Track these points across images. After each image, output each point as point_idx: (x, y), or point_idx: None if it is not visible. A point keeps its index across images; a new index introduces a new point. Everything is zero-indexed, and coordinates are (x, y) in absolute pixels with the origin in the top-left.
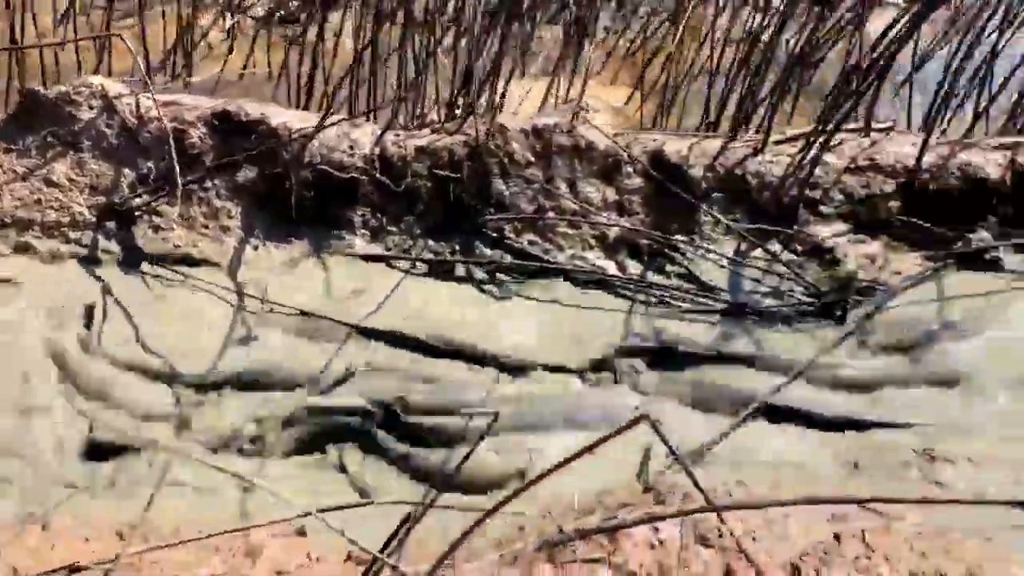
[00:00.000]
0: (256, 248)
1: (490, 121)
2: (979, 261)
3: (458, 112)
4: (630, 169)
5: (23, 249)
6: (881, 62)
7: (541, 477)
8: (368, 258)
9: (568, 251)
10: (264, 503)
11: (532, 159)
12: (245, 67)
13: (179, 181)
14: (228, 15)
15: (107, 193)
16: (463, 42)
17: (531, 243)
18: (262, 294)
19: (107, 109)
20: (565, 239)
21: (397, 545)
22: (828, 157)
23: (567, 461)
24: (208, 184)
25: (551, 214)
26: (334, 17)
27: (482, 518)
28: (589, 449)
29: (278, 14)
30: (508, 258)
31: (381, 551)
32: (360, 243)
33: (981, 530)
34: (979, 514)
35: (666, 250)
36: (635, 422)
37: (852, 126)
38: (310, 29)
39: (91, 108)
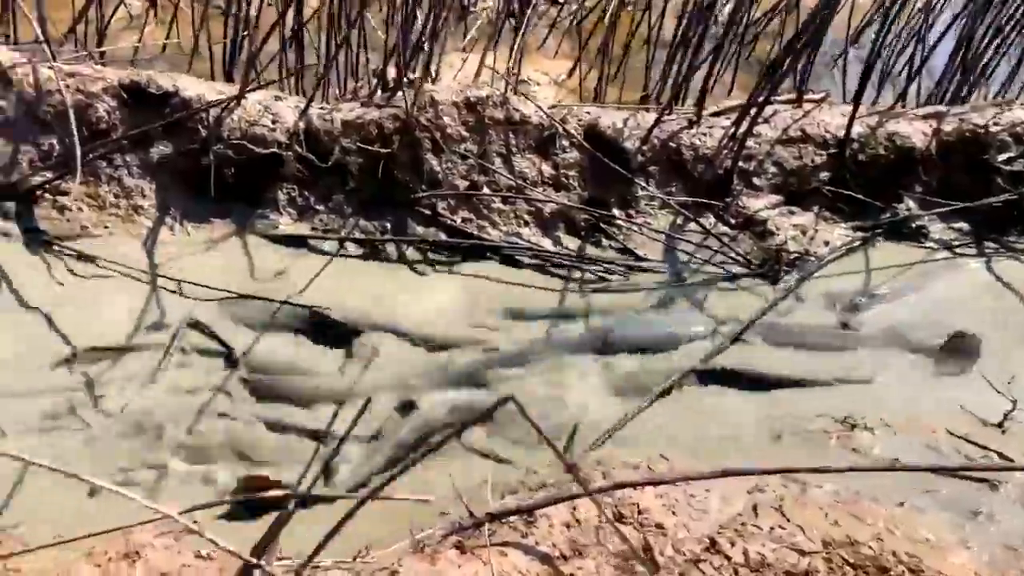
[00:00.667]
0: (172, 229)
1: (421, 94)
2: (905, 231)
3: (391, 84)
4: (565, 143)
5: None
6: (809, 34)
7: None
8: (293, 239)
9: (503, 227)
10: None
11: (465, 133)
12: (168, 38)
13: (79, 157)
14: None
15: (4, 172)
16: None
17: (465, 220)
18: (178, 277)
19: (1, 80)
20: (500, 215)
21: (270, 545)
22: (761, 129)
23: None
24: (119, 161)
25: (486, 190)
26: None
27: (353, 509)
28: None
29: None
30: (442, 236)
31: (253, 552)
32: (286, 222)
33: (895, 495)
34: (894, 479)
35: (602, 224)
36: (501, 403)
37: (786, 98)
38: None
39: None
